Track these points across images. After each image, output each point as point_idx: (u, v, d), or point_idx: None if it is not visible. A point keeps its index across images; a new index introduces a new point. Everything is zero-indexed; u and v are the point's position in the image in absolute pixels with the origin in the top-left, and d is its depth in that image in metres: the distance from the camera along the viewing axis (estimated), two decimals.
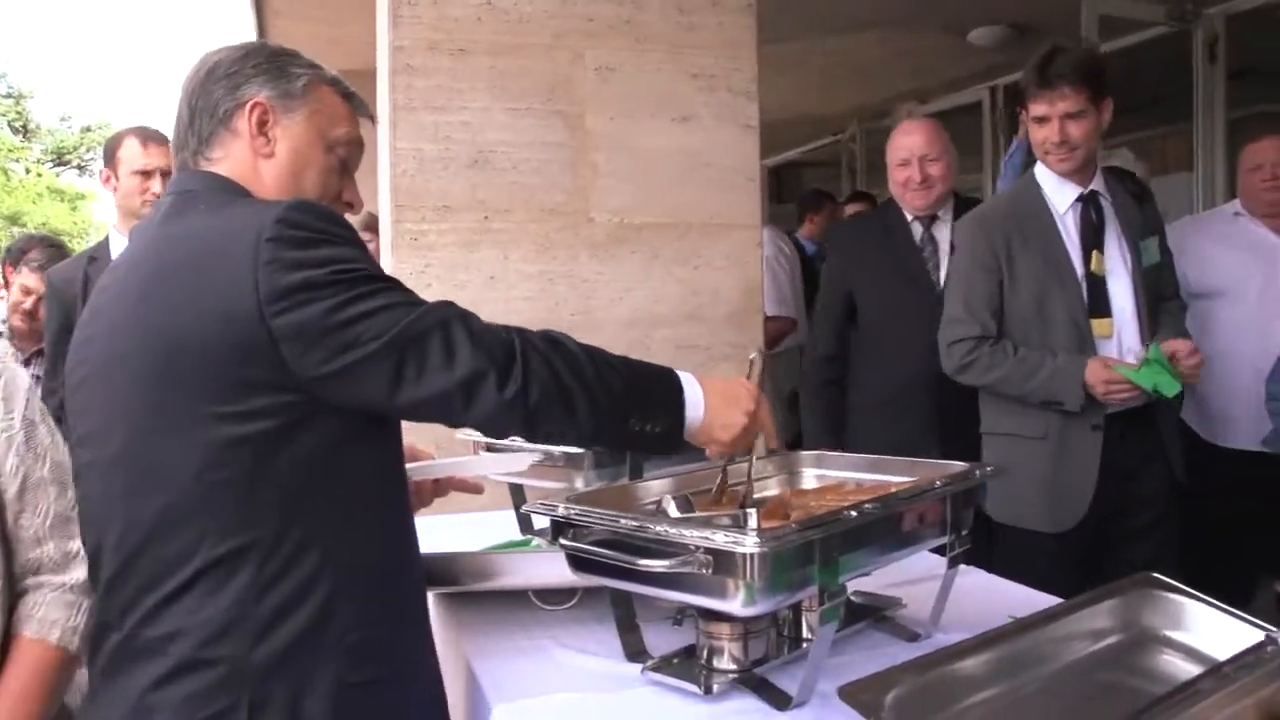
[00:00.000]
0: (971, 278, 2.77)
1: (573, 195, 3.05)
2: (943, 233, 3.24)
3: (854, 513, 1.30)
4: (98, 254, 3.21)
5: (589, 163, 3.06)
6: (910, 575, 1.76)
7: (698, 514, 1.38)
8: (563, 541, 1.37)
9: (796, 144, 8.19)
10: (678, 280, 3.13)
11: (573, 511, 1.37)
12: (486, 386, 1.20)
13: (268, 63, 1.41)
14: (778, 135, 7.82)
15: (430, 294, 2.91)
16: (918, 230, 3.26)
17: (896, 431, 3.09)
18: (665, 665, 1.43)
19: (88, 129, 33.13)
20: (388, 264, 3.00)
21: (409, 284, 2.87)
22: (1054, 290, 2.65)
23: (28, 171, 28.60)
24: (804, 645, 1.51)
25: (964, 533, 1.50)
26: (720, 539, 1.20)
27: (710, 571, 1.22)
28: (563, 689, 1.41)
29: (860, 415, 3.26)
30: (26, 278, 3.76)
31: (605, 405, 1.27)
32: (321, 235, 1.23)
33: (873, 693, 1.05)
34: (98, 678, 1.29)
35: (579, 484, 2.04)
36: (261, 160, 1.39)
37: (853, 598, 1.67)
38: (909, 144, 3.22)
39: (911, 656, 1.20)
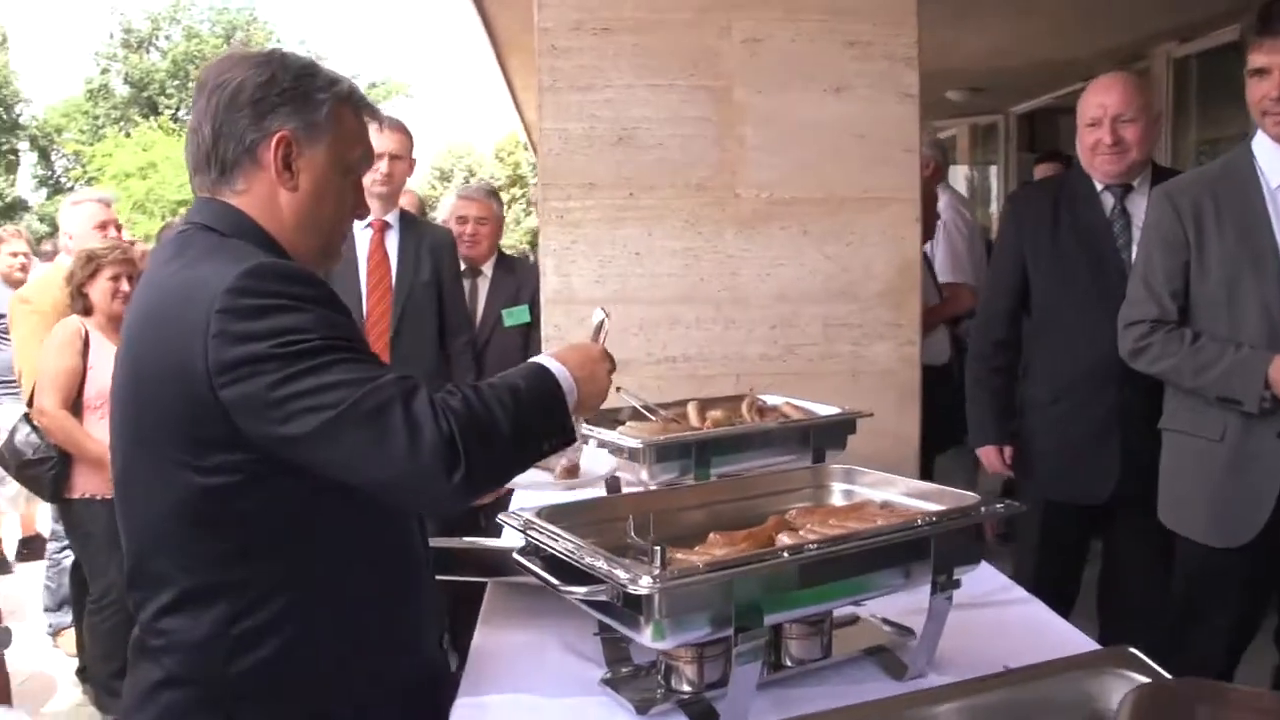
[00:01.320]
0: (1154, 254, 2.52)
1: (718, 170, 3.02)
2: (1137, 206, 2.92)
3: (786, 554, 1.27)
4: None
5: (735, 137, 3.01)
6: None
7: (641, 542, 1.38)
8: (515, 555, 1.41)
9: (1046, 90, 7.57)
10: (827, 257, 3.04)
11: (529, 527, 1.41)
12: (426, 480, 1.20)
13: (292, 88, 1.41)
14: (1023, 80, 7.27)
15: (577, 269, 3.05)
16: (1108, 202, 2.95)
17: (1073, 427, 2.87)
18: (619, 679, 1.45)
19: (373, 85, 35.81)
20: (541, 241, 3.11)
21: (556, 260, 3.02)
22: (1246, 275, 2.36)
23: None
24: (782, 671, 1.48)
25: (952, 574, 1.41)
26: (621, 575, 1.20)
27: (620, 604, 1.23)
28: (527, 690, 1.47)
29: (1033, 409, 3.01)
30: None
31: (530, 451, 1.31)
32: (273, 303, 1.23)
33: None
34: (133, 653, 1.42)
35: (643, 476, 2.08)
36: (284, 192, 1.41)
37: (860, 622, 1.62)
38: (1101, 101, 2.88)
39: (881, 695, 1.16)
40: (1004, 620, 1.69)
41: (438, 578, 1.60)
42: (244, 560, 1.29)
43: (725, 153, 3.01)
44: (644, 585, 1.17)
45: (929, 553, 1.38)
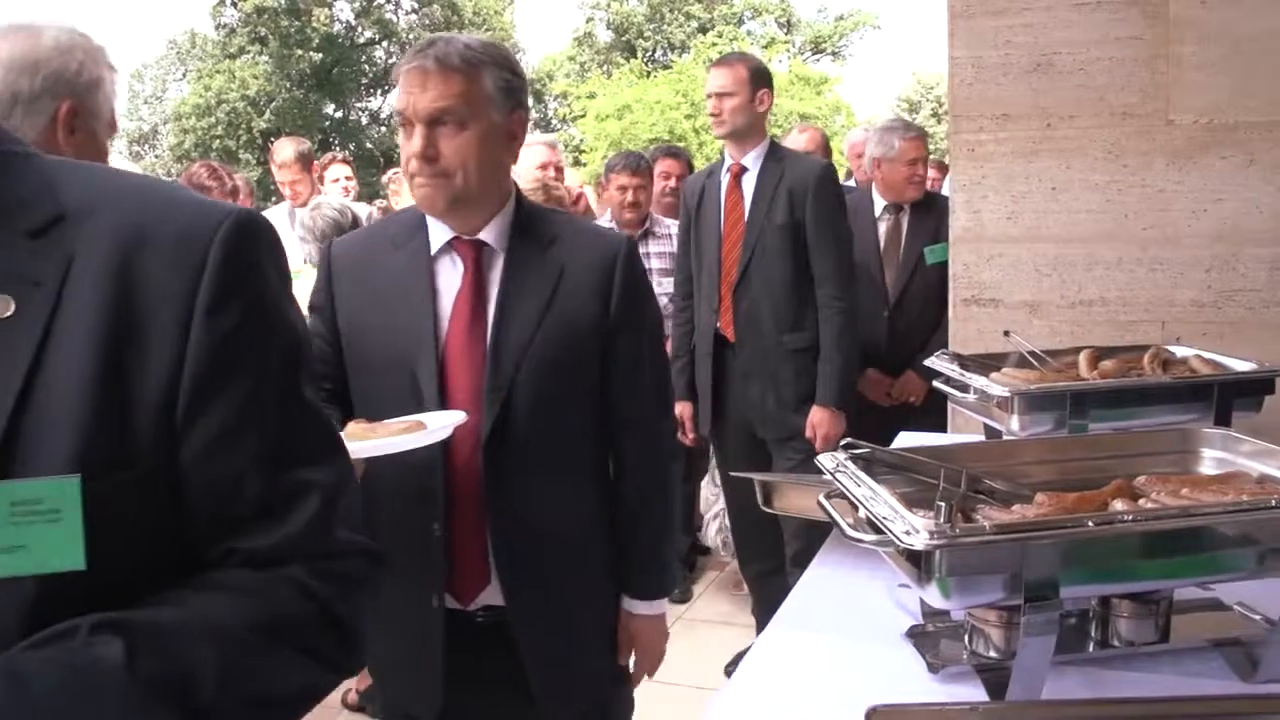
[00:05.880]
0: None
1: (1148, 96, 2.71)
2: None
3: (1090, 523, 1.17)
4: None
5: (1170, 56, 2.67)
6: None
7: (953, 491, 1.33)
8: (820, 497, 1.42)
9: None
10: (1278, 190, 2.63)
11: (838, 469, 1.42)
12: None
13: None
14: None
15: (987, 205, 2.92)
16: None
17: None
18: (924, 635, 1.42)
19: (841, 17, 35.37)
20: (952, 175, 3.00)
21: (966, 196, 2.89)
22: None
23: (781, 64, 31.39)
24: (1106, 650, 1.37)
25: None
26: (896, 527, 1.18)
27: (906, 558, 1.21)
28: (835, 630, 1.50)
29: None
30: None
31: None
32: None
33: None
34: None
35: (1013, 426, 1.98)
36: None
37: (1219, 609, 1.44)
38: None
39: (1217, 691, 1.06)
40: None
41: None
42: None
43: (1157, 75, 2.69)
44: (919, 541, 1.15)
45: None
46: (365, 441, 1.55)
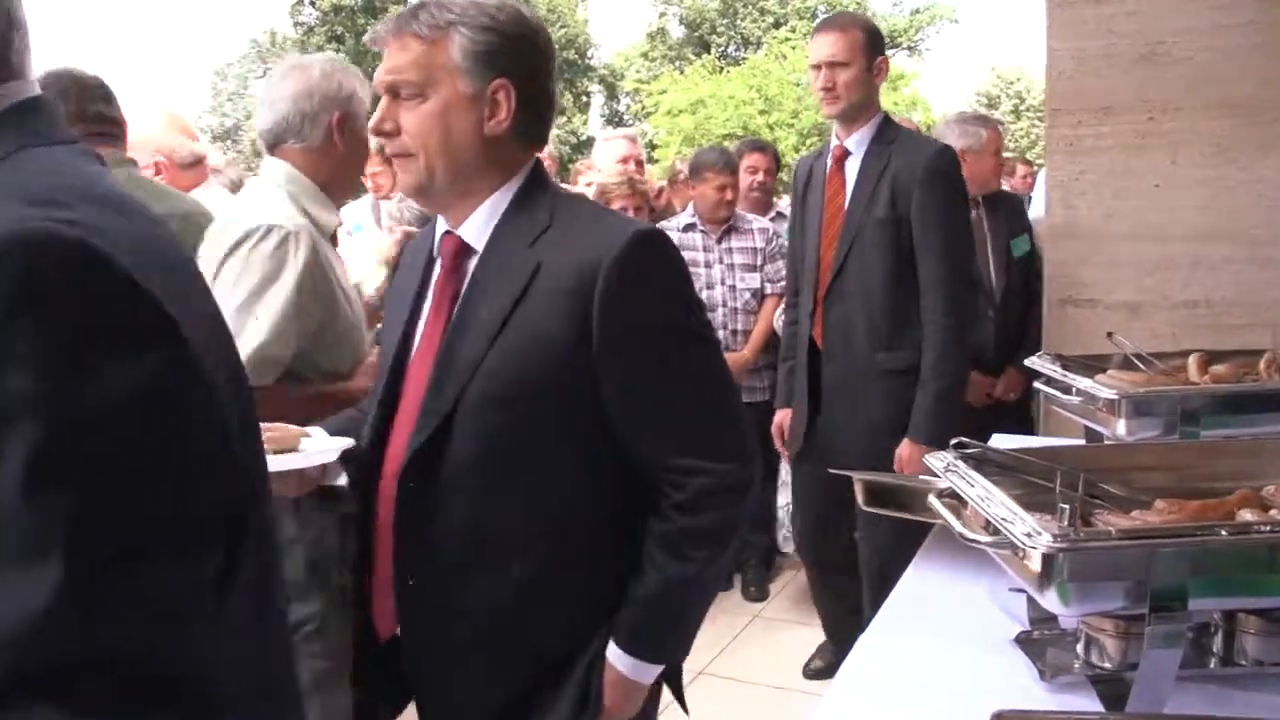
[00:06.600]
0: None
1: (1263, 85, 2.61)
2: None
3: (1223, 531, 1.11)
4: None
5: None
6: None
7: (1071, 494, 1.28)
8: (931, 497, 1.38)
9: None
10: None
11: (949, 469, 1.37)
12: None
13: None
14: None
15: (1085, 202, 2.83)
16: None
17: None
18: (1033, 641, 1.37)
19: (917, 11, 34.87)
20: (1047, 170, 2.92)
21: (1063, 192, 2.80)
22: None
23: None
24: (1231, 667, 1.31)
25: None
26: (1017, 529, 1.14)
27: (1024, 560, 1.16)
28: (939, 634, 1.45)
29: None
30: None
31: None
32: None
33: None
34: None
35: (1119, 431, 1.91)
36: None
37: None
38: None
39: None
40: None
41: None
42: None
43: (1272, 64, 2.58)
44: (1041, 543, 1.10)
45: None
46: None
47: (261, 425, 1.41)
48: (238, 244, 1.95)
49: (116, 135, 2.25)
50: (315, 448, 1.52)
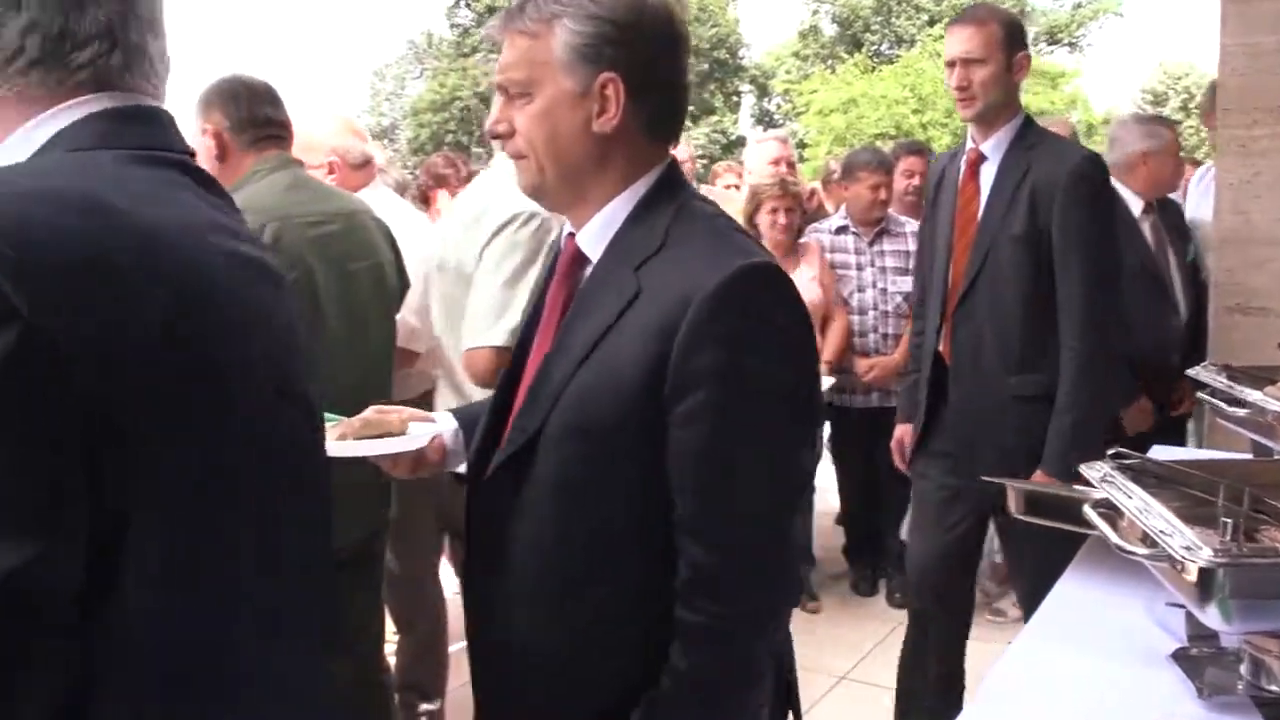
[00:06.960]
0: None
1: None
2: None
3: None
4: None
5: None
6: None
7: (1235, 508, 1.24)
8: (1086, 507, 1.36)
9: None
10: None
11: (1105, 480, 1.35)
12: None
13: None
14: None
15: (1259, 206, 2.71)
16: None
17: None
18: (1192, 658, 1.34)
19: (1079, 5, 33.42)
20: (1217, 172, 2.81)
21: (1234, 195, 2.69)
22: None
23: None
24: None
25: None
26: (1176, 542, 1.12)
27: (1182, 573, 1.15)
28: (1091, 648, 1.43)
29: None
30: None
31: None
32: None
33: None
34: None
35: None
36: None
37: None
38: None
39: None
40: None
41: None
42: None
43: None
44: (1201, 557, 1.08)
45: None
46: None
47: (371, 409, 1.57)
48: (501, 227, 2.11)
49: (283, 137, 2.37)
50: (418, 433, 1.52)
